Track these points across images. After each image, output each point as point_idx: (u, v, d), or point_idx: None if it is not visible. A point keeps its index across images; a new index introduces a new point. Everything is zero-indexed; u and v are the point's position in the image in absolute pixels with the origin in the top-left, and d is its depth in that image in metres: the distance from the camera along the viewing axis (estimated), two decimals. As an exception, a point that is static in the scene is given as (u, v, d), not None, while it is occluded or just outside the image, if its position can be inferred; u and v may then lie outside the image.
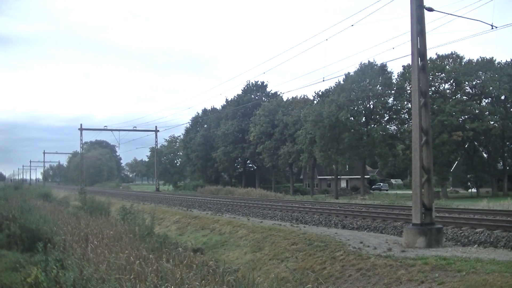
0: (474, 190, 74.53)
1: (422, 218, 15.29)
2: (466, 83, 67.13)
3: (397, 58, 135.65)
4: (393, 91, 68.07)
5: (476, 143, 70.75)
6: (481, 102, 68.53)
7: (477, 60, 67.13)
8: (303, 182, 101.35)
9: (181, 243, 21.05)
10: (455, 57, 67.96)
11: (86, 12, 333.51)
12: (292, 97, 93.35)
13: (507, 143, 70.03)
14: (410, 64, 16.61)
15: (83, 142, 78.65)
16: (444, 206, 32.74)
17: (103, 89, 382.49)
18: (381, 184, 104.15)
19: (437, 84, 67.40)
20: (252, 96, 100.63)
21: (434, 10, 16.38)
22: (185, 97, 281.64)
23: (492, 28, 18.05)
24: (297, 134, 75.41)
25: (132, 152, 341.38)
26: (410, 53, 16.07)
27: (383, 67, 66.32)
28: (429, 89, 21.05)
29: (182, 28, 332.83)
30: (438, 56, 67.66)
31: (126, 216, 25.06)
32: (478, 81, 66.72)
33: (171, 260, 13.40)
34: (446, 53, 67.92)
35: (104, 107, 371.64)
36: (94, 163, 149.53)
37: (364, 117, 70.06)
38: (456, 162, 74.42)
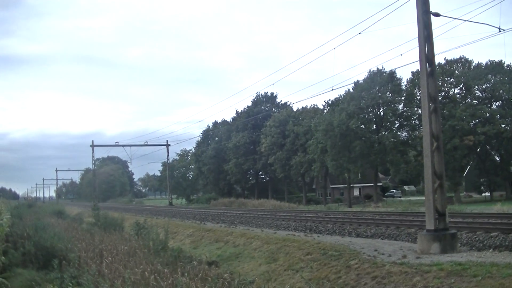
0: (487, 194, 73.94)
1: (436, 224, 15.19)
2: (476, 87, 66.97)
3: (405, 64, 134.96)
4: (403, 98, 67.90)
5: (488, 147, 70.29)
6: (491, 105, 68.27)
7: (486, 63, 67.00)
8: (316, 192, 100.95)
9: (196, 257, 21.05)
10: (463, 61, 67.89)
11: (94, 30, 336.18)
12: (302, 107, 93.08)
13: (519, 145, 69.51)
14: (419, 70, 16.58)
15: (95, 158, 79.02)
16: (458, 211, 32.51)
17: (113, 105, 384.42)
18: (394, 191, 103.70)
19: (446, 89, 67.25)
20: (262, 107, 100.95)
21: (440, 15, 16.33)
22: (195, 111, 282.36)
23: (500, 31, 18.00)
24: (308, 144, 75.26)
25: (144, 167, 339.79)
26: (418, 59, 16.04)
27: (392, 74, 66.05)
28: (439, 94, 21.02)
29: (190, 42, 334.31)
30: (447, 61, 67.60)
31: (140, 231, 25.20)
32: (488, 85, 66.47)
33: (186, 274, 13.40)
34: (455, 58, 67.95)
35: (115, 123, 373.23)
36: (107, 179, 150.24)
37: (374, 125, 69.84)
38: (469, 166, 74.04)
